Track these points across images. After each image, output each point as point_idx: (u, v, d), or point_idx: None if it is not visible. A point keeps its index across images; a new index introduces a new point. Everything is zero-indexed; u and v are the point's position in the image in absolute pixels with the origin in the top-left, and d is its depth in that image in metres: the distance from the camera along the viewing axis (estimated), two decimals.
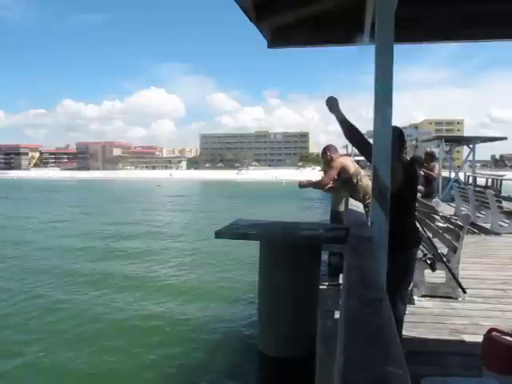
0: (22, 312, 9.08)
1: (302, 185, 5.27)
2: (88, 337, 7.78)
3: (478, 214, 10.53)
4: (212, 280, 11.59)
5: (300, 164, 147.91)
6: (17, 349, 7.26)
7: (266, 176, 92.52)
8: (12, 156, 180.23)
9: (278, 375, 2.07)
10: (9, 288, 10.85)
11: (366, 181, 4.83)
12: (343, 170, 4.86)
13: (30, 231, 20.90)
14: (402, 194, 2.70)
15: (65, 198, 43.16)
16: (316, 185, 5.23)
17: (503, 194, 13.69)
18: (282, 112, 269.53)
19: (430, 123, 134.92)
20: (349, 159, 5.18)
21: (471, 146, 17.53)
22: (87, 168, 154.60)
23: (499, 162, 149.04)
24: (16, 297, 10.11)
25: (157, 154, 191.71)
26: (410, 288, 4.81)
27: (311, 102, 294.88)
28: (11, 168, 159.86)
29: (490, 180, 17.80)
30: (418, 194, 8.33)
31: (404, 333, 3.37)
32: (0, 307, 9.37)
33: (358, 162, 9.47)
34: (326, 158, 5.10)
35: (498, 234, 9.06)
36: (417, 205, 3.69)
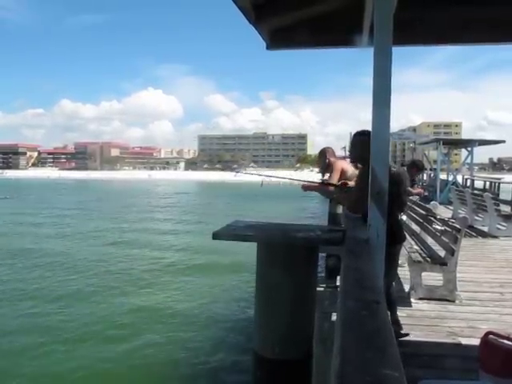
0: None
1: (305, 187, 5.15)
2: (82, 337, 7.75)
3: (476, 217, 10.55)
4: (209, 281, 11.57)
5: (298, 166, 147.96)
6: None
7: (258, 178, 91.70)
8: (10, 156, 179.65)
9: (275, 377, 2.06)
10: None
11: None
12: (343, 173, 4.91)
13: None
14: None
15: (69, 199, 43.04)
16: (322, 190, 5.13)
17: (501, 197, 13.75)
18: (280, 113, 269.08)
19: (428, 126, 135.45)
20: (346, 162, 5.23)
21: (469, 148, 17.57)
22: (85, 168, 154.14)
23: (497, 165, 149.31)
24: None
25: (155, 154, 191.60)
26: (407, 291, 4.84)
27: (308, 103, 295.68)
28: (9, 168, 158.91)
29: (487, 183, 17.86)
30: (417, 197, 8.35)
31: None
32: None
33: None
34: (323, 160, 5.15)
35: (495, 236, 9.07)
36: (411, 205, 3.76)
